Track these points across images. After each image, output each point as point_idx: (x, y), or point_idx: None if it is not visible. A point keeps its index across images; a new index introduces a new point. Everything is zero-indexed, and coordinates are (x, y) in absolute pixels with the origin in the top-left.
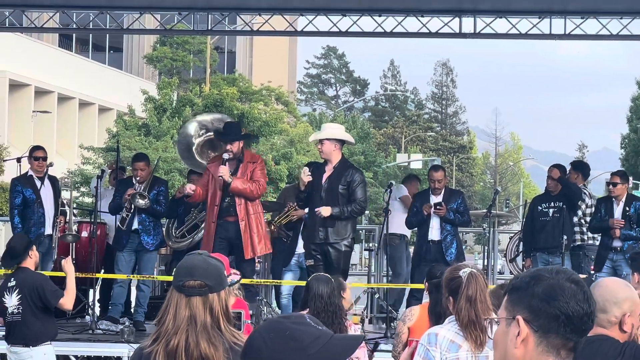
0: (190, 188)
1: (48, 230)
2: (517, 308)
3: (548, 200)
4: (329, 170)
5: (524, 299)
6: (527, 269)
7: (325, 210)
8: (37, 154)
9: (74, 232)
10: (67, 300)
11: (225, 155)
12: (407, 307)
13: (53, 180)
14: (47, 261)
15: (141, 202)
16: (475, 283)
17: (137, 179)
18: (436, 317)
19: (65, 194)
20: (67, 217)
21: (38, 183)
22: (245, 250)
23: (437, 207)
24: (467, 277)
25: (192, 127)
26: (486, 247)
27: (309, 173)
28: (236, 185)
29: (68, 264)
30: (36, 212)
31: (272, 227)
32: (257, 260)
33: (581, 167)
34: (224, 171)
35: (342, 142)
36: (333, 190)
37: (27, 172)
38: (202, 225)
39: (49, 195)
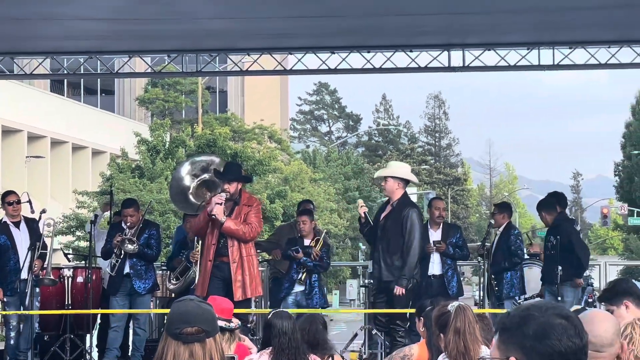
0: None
1: (24, 275)
2: (510, 348)
3: (549, 234)
4: (388, 209)
5: (515, 339)
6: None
7: (399, 291)
8: (9, 198)
9: (51, 277)
10: None
11: (223, 195)
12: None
13: (30, 223)
14: (22, 304)
15: (130, 247)
16: (464, 315)
17: (127, 224)
18: (437, 350)
19: (49, 240)
20: (46, 262)
21: (13, 229)
22: (235, 292)
23: (437, 244)
24: (455, 310)
25: (184, 170)
26: (482, 279)
27: (363, 204)
28: (229, 225)
29: None
30: (11, 259)
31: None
32: (254, 300)
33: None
34: (218, 211)
35: (405, 181)
36: (389, 231)
37: (1, 219)
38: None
39: (24, 240)
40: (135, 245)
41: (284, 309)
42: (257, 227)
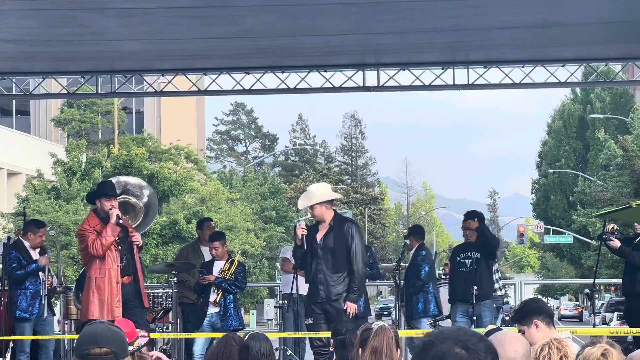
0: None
1: None
2: None
3: (466, 251)
4: (323, 228)
5: None
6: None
7: (351, 308)
8: None
9: None
10: None
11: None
12: None
13: None
14: None
15: (59, 289)
16: (383, 335)
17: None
18: None
19: None
20: None
21: None
22: (144, 300)
23: None
24: (376, 329)
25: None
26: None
27: (304, 227)
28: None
29: None
30: None
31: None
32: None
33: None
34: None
35: (331, 201)
36: (333, 250)
37: None
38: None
39: None
40: (61, 287)
41: (260, 332)
42: None
